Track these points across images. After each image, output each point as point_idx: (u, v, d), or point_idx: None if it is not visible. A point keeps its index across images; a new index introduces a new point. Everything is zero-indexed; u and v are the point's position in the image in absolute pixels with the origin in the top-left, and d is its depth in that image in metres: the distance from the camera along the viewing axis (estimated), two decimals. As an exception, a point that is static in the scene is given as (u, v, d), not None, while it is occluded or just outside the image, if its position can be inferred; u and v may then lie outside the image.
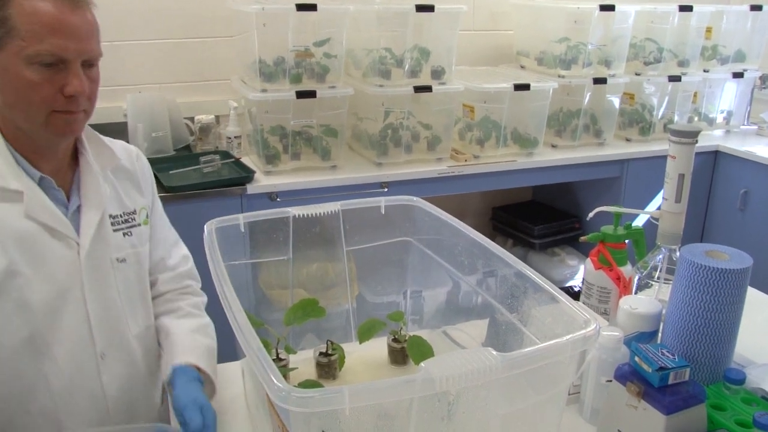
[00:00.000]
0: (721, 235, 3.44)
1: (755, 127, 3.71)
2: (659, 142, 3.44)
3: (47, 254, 1.23)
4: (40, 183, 1.24)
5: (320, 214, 1.44)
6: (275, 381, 0.82)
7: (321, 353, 1.43)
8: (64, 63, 1.17)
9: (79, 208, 1.29)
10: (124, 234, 1.36)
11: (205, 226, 1.31)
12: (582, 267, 3.52)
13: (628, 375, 1.21)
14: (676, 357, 1.19)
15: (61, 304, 1.25)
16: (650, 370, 1.16)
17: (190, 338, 1.38)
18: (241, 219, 1.36)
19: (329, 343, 1.43)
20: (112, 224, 1.34)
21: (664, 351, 1.20)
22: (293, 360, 1.41)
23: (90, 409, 1.30)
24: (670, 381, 1.17)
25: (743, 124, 3.78)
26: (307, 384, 1.23)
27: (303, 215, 1.43)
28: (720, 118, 3.71)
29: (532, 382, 0.94)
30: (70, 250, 1.26)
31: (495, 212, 3.88)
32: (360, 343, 1.43)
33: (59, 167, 1.29)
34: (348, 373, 1.43)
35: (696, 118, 3.64)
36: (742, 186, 3.33)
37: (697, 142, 1.49)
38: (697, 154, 1.51)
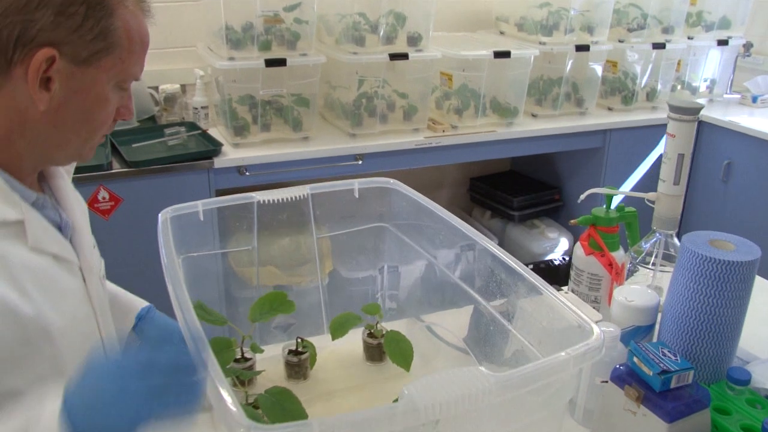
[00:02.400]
0: (703, 208, 3.37)
1: (738, 96, 3.61)
2: (642, 111, 3.36)
3: (60, 288, 1.01)
4: (35, 204, 1.01)
5: (287, 199, 1.31)
6: (234, 416, 0.71)
7: (290, 351, 1.31)
8: (128, 85, 1.03)
9: (68, 225, 1.07)
10: (94, 246, 1.19)
11: (159, 216, 1.17)
12: (563, 240, 3.44)
13: (625, 377, 1.11)
14: (678, 358, 1.09)
15: (82, 340, 1.04)
16: (651, 373, 1.06)
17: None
18: (200, 206, 1.23)
19: (299, 340, 1.32)
20: None
21: (665, 351, 1.10)
22: (259, 358, 1.30)
23: None
24: (673, 385, 1.07)
25: (726, 93, 3.68)
26: (275, 392, 1.11)
27: (269, 201, 1.30)
28: (703, 87, 3.62)
29: (527, 401, 0.83)
30: (75, 277, 1.05)
31: (473, 183, 3.78)
32: (333, 339, 1.32)
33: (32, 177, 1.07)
34: (320, 372, 1.32)
35: (679, 87, 3.55)
36: (725, 157, 3.25)
37: (698, 119, 1.38)
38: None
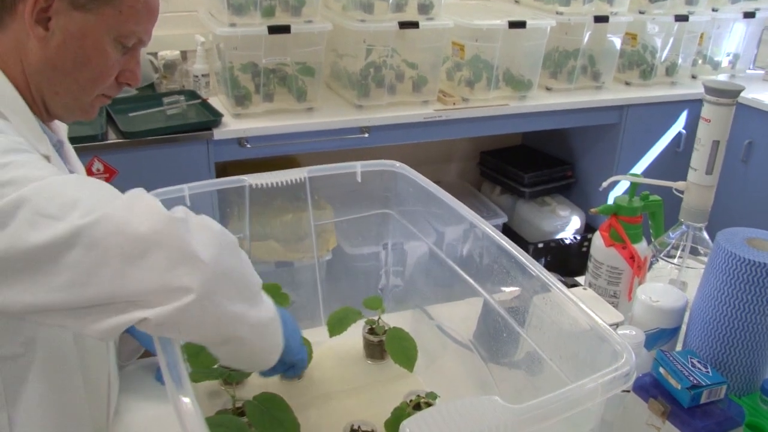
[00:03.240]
0: (722, 188, 3.22)
1: (762, 72, 3.47)
2: (661, 86, 3.21)
3: None
4: (56, 147, 1.05)
5: (283, 183, 1.21)
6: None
7: (284, 348, 1.21)
8: (133, 49, 1.03)
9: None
10: None
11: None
12: (574, 218, 3.33)
13: (650, 389, 1.01)
14: (709, 370, 0.99)
15: None
16: (679, 387, 0.96)
17: None
18: (186, 190, 1.13)
19: (294, 336, 1.21)
20: None
21: (695, 362, 1.00)
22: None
23: None
24: (703, 400, 0.97)
25: (749, 69, 3.53)
26: (263, 398, 1.01)
27: (261, 185, 1.19)
28: (725, 62, 3.47)
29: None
30: None
31: (483, 157, 3.65)
32: (331, 336, 1.22)
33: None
34: (316, 371, 1.23)
35: (700, 61, 3.40)
36: (746, 136, 3.10)
37: (736, 103, 1.26)
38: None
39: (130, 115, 2.48)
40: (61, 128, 1.13)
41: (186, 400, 0.69)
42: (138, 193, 0.80)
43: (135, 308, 0.76)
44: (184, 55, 2.86)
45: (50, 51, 0.96)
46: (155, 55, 2.81)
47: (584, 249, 3.28)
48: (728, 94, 1.24)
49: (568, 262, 3.23)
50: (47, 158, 0.97)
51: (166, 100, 2.57)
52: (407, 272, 1.50)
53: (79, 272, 0.74)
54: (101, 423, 1.12)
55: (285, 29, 2.46)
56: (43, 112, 1.03)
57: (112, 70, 1.01)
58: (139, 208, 0.77)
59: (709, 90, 1.25)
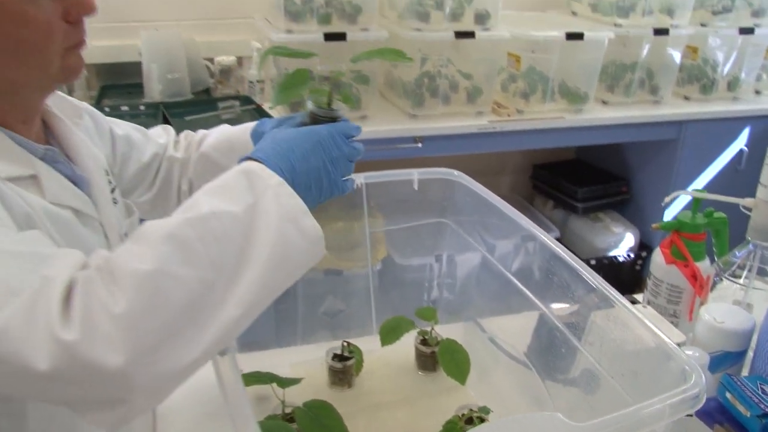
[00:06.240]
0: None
1: (830, 89, 3.36)
2: (722, 101, 3.13)
3: (83, 242, 0.92)
4: (45, 158, 0.92)
5: (340, 189, 1.19)
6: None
7: (335, 355, 1.20)
8: None
9: (82, 180, 0.99)
10: (114, 202, 1.10)
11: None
12: (628, 235, 3.26)
13: (715, 414, 0.97)
14: (779, 396, 0.94)
15: None
16: (749, 415, 0.92)
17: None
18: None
19: (345, 344, 1.20)
20: None
21: (765, 387, 0.95)
22: (301, 361, 1.19)
23: None
24: (772, 428, 0.93)
25: (817, 85, 3.43)
26: (313, 405, 1.00)
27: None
28: (791, 77, 3.37)
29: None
30: (97, 233, 0.97)
31: (536, 171, 3.61)
32: (383, 345, 1.20)
33: (37, 128, 0.97)
34: (366, 380, 1.21)
35: (765, 76, 3.30)
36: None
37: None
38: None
39: (186, 118, 2.51)
40: (64, 126, 1.00)
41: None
42: (43, 285, 0.68)
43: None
44: (239, 60, 2.88)
45: None
46: (211, 60, 2.84)
47: (638, 267, 3.21)
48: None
49: (620, 280, 3.16)
50: (33, 177, 0.87)
51: (221, 104, 2.60)
52: (459, 284, 1.47)
53: (2, 375, 0.67)
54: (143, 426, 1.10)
55: (341, 36, 2.47)
56: (17, 120, 0.90)
57: (51, 27, 0.84)
58: (38, 324, 0.66)
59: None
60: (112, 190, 1.05)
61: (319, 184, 0.89)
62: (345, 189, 0.96)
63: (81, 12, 0.87)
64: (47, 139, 0.98)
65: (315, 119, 0.98)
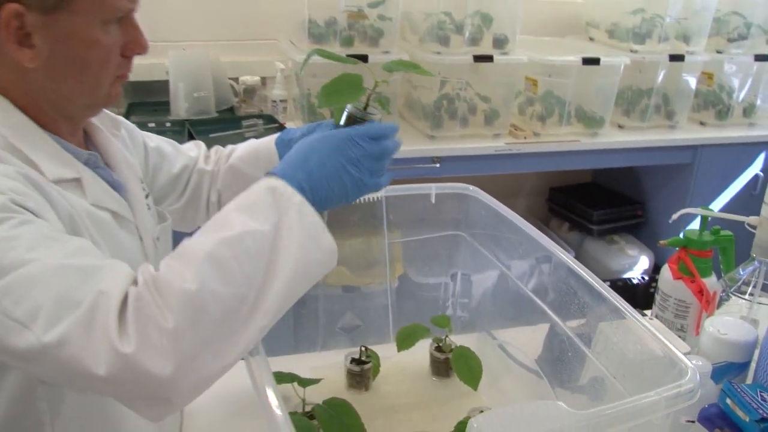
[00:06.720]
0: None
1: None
2: (737, 127, 3.17)
3: (121, 243, 1.02)
4: (87, 162, 1.01)
5: (360, 200, 1.25)
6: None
7: (353, 360, 1.25)
8: (125, 18, 0.97)
9: (119, 185, 1.08)
10: (148, 207, 1.18)
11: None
12: (643, 258, 3.29)
13: (716, 420, 1.01)
14: (778, 403, 0.98)
15: None
16: (747, 420, 0.96)
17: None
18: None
19: (363, 349, 1.26)
20: None
21: (765, 395, 1.00)
22: (320, 365, 1.24)
23: None
24: (770, 433, 0.97)
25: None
26: (332, 403, 1.06)
27: (340, 201, 1.24)
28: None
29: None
30: (132, 235, 1.06)
31: (552, 193, 3.65)
32: (399, 350, 1.25)
33: (79, 137, 1.07)
34: (382, 384, 1.26)
35: (780, 103, 3.34)
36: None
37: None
38: None
39: (211, 135, 2.58)
40: (103, 135, 1.09)
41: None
42: (99, 299, 0.76)
43: None
44: (263, 80, 2.96)
45: (44, 65, 0.91)
46: (236, 80, 2.92)
47: (652, 290, 3.23)
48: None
49: (634, 302, 3.15)
50: (77, 180, 0.96)
51: (244, 123, 2.67)
52: (474, 301, 1.51)
53: (62, 375, 0.77)
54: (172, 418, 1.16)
55: (363, 58, 2.53)
56: (65, 128, 0.99)
57: (111, 55, 0.95)
58: (97, 336, 0.74)
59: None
60: (146, 197, 1.13)
61: (342, 186, 0.94)
62: (378, 186, 1.00)
63: (136, 49, 0.98)
64: (88, 147, 1.06)
65: (352, 120, 1.03)
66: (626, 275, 3.26)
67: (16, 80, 0.93)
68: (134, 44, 0.98)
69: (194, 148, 1.37)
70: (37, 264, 0.77)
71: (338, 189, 0.94)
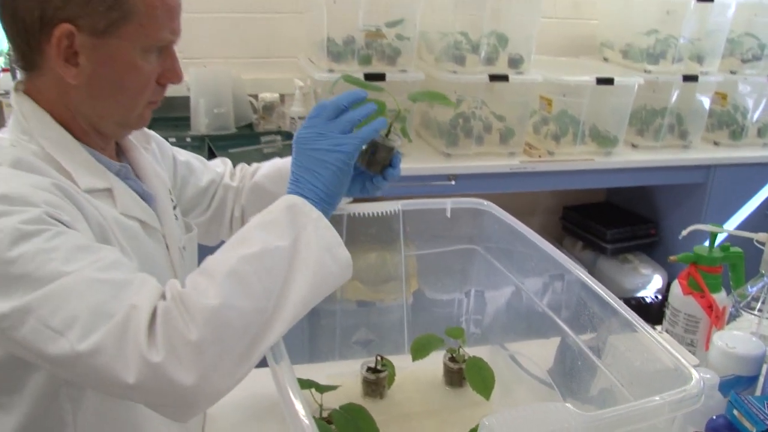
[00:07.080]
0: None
1: None
2: (751, 147, 3.18)
3: (148, 252, 1.07)
4: (119, 174, 1.08)
5: (378, 213, 1.30)
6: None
7: (369, 368, 1.29)
8: (165, 48, 1.03)
9: (149, 195, 1.14)
10: (175, 217, 1.23)
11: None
12: (656, 277, 3.30)
13: (723, 430, 1.03)
14: (783, 414, 1.01)
15: None
16: (754, 430, 0.99)
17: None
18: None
19: (379, 358, 1.29)
20: None
21: (770, 406, 1.02)
22: (336, 372, 1.28)
23: None
24: (776, 443, 0.99)
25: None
26: (349, 408, 1.09)
27: (359, 214, 1.28)
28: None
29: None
30: (159, 244, 1.12)
31: (566, 212, 3.67)
32: (414, 360, 1.29)
33: (111, 149, 1.13)
34: (397, 393, 1.29)
35: (794, 124, 3.36)
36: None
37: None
38: None
39: (230, 151, 2.63)
40: (135, 148, 1.15)
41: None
42: (131, 312, 0.82)
43: None
44: (282, 98, 3.01)
45: (86, 83, 0.97)
46: (255, 96, 2.98)
47: (665, 309, 3.25)
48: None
49: (648, 320, 3.16)
50: (108, 190, 1.02)
51: (263, 139, 2.72)
52: (488, 317, 1.54)
53: (93, 380, 0.84)
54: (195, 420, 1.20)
55: (380, 77, 2.58)
56: (98, 141, 1.05)
57: (149, 81, 1.02)
58: (128, 346, 0.80)
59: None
60: (174, 207, 1.18)
61: (326, 166, 0.99)
62: (357, 139, 1.01)
63: (171, 78, 1.05)
64: (120, 159, 1.11)
65: (373, 145, 1.08)
66: (639, 294, 3.28)
67: (58, 95, 0.99)
68: (170, 73, 1.04)
69: (221, 165, 1.42)
70: (73, 276, 0.83)
71: (326, 172, 0.99)
